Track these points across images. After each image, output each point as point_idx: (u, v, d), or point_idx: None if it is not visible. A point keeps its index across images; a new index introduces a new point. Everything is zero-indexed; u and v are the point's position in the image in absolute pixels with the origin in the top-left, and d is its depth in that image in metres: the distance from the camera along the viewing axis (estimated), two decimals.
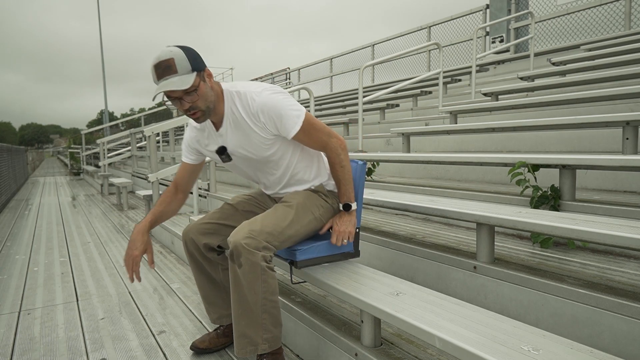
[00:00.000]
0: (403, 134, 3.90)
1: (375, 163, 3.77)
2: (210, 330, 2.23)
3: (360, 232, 2.54)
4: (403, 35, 9.98)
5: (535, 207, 2.23)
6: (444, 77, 6.94)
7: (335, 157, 1.78)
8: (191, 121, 1.87)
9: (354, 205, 1.84)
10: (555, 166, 2.21)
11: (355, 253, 1.95)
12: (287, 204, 1.82)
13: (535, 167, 2.24)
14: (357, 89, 9.82)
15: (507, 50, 7.73)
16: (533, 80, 4.87)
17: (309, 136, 1.75)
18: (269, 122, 1.70)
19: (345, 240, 1.83)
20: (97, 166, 13.69)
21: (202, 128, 1.85)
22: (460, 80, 7.17)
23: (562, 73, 4.57)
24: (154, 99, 1.61)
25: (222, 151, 1.82)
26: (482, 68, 7.44)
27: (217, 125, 1.79)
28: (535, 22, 7.14)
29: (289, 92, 6.17)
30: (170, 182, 2.36)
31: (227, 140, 1.79)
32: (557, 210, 2.19)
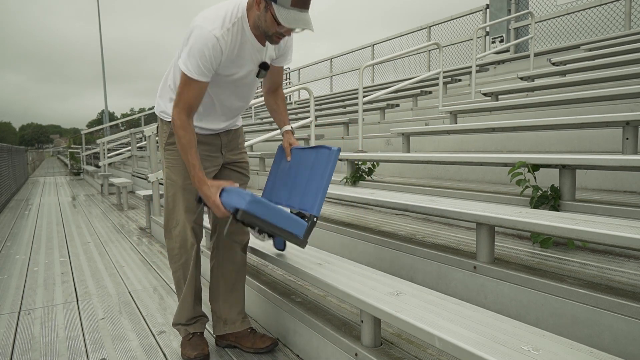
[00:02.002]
0: (403, 134, 3.90)
1: (375, 163, 3.77)
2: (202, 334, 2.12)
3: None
4: (403, 35, 9.99)
5: (535, 207, 2.23)
6: (444, 77, 6.94)
7: (284, 94, 2.11)
8: (216, 38, 1.66)
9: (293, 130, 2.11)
10: (555, 166, 2.21)
11: (303, 242, 1.74)
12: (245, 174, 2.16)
13: (535, 167, 2.24)
14: (357, 89, 9.82)
15: (507, 50, 7.73)
16: (533, 80, 4.87)
17: (281, 72, 2.05)
18: (284, 47, 1.90)
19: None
20: (97, 166, 13.69)
21: (241, 44, 1.74)
22: (460, 80, 7.17)
23: (562, 73, 4.57)
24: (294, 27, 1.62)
25: (265, 66, 1.85)
26: (482, 68, 7.44)
27: (261, 40, 1.77)
28: (535, 22, 7.14)
29: (289, 92, 6.15)
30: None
31: (265, 56, 1.84)
32: (557, 210, 2.19)
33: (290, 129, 2.05)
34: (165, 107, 1.95)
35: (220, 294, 2.10)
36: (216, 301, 2.11)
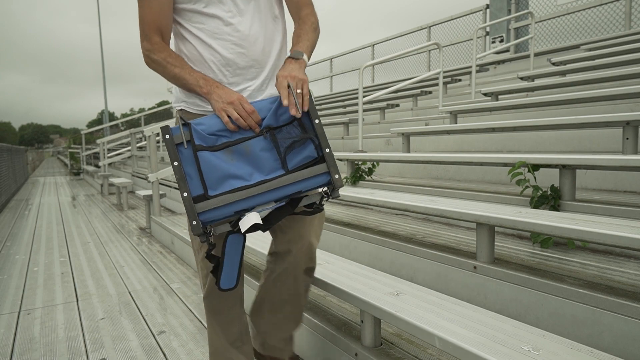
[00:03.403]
0: (403, 134, 3.90)
1: (375, 163, 3.77)
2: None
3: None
4: (403, 35, 9.98)
5: (535, 207, 2.23)
6: (444, 77, 6.94)
7: (314, 16, 1.49)
8: None
9: (305, 57, 1.37)
10: (555, 166, 2.21)
11: (335, 174, 1.26)
12: None
13: (535, 167, 2.24)
14: (357, 89, 9.82)
15: (507, 50, 7.73)
16: (533, 80, 4.86)
17: None
18: None
19: (301, 93, 1.28)
20: (97, 166, 13.69)
21: None
22: (460, 80, 7.17)
23: (562, 73, 4.57)
24: None
25: None
26: (482, 68, 7.44)
27: None
28: (535, 22, 7.14)
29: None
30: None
31: None
32: (557, 210, 2.19)
33: (296, 56, 1.35)
34: (176, 93, 1.52)
35: (264, 312, 1.67)
36: (257, 317, 1.70)
